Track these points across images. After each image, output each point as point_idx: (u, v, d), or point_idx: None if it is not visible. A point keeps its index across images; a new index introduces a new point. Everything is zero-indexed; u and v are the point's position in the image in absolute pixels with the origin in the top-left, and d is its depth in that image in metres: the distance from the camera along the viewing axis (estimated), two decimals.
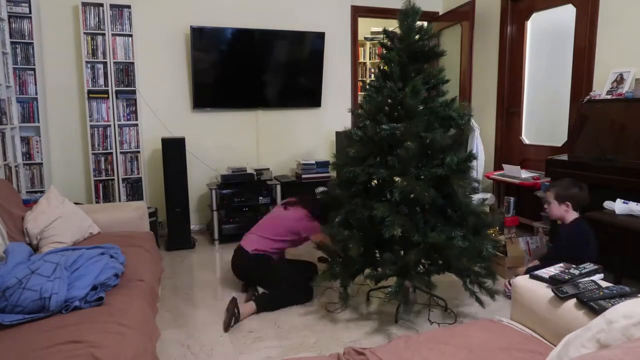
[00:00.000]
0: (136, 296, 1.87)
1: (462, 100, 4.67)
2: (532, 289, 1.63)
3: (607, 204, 2.77)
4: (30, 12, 3.68)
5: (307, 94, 4.72)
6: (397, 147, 2.38)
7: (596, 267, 1.62)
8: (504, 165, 4.02)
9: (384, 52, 2.61)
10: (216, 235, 4.11)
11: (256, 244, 2.90)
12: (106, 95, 3.96)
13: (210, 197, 4.11)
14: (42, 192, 3.73)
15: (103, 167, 4.05)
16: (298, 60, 4.59)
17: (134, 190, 4.14)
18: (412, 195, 2.30)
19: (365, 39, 6.72)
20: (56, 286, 1.66)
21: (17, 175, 3.60)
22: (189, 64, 4.29)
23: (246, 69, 4.41)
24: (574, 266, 1.66)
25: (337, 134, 4.45)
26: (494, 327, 1.60)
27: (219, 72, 4.33)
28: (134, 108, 4.07)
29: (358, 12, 4.92)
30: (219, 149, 4.51)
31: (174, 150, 3.86)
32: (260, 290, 2.88)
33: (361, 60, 6.82)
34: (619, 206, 2.68)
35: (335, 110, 4.89)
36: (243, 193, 4.16)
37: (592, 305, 1.38)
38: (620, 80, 3.21)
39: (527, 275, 1.70)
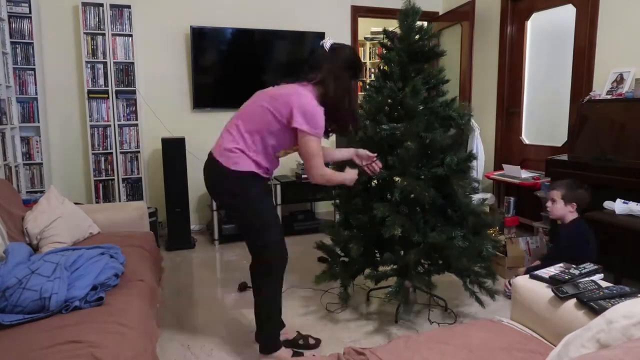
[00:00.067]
0: (136, 296, 1.87)
1: (462, 100, 4.67)
2: (532, 289, 1.63)
3: (607, 204, 2.77)
4: (30, 12, 3.68)
5: None
6: (397, 147, 2.38)
7: (596, 267, 1.62)
8: (504, 165, 4.02)
9: (384, 52, 2.61)
10: (216, 235, 4.11)
11: (227, 142, 1.98)
12: (106, 95, 3.96)
13: (210, 197, 4.11)
14: (42, 192, 3.73)
15: (103, 167, 4.05)
16: (298, 60, 4.59)
17: (134, 190, 4.14)
18: (412, 195, 2.30)
19: (365, 39, 6.72)
20: (56, 286, 1.66)
21: (17, 175, 3.60)
22: (189, 64, 4.29)
23: (246, 69, 4.41)
24: (574, 266, 1.66)
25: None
26: (494, 327, 1.60)
27: (219, 72, 4.33)
28: (134, 108, 4.07)
29: (358, 12, 4.92)
30: None
31: (174, 150, 3.86)
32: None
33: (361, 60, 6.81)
34: (619, 206, 2.68)
35: None
36: None
37: (592, 305, 1.38)
38: (620, 80, 3.21)
39: (527, 275, 1.70)
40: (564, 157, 3.32)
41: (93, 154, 4.00)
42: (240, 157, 1.94)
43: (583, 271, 1.60)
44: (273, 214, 2.05)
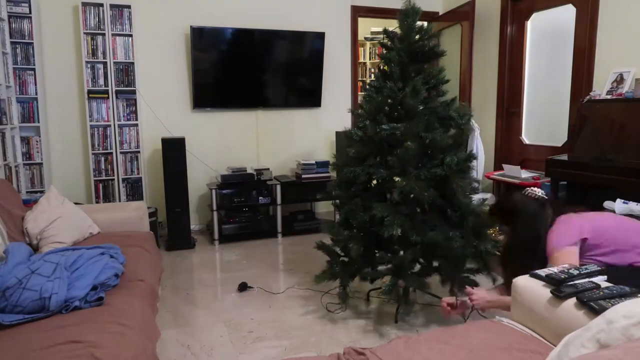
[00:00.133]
0: (136, 296, 1.87)
1: (462, 100, 4.67)
2: (532, 289, 1.63)
3: (607, 204, 2.77)
4: (30, 12, 3.68)
5: (307, 94, 4.72)
6: (397, 147, 2.38)
7: (599, 268, 1.62)
8: (504, 165, 4.02)
9: (384, 52, 2.61)
10: (216, 235, 4.11)
11: None
12: (106, 95, 3.96)
13: (210, 197, 4.11)
14: (42, 192, 3.73)
15: (103, 167, 4.05)
16: (298, 60, 4.59)
17: (134, 190, 4.14)
18: (411, 195, 2.30)
19: (365, 39, 6.72)
20: (56, 286, 1.66)
21: (17, 175, 3.60)
22: (189, 64, 4.29)
23: (246, 69, 4.41)
24: (574, 266, 1.66)
25: (337, 134, 4.45)
26: (494, 327, 1.60)
27: (219, 72, 4.33)
28: (134, 108, 4.07)
29: (358, 12, 4.92)
30: (219, 149, 4.51)
31: (174, 150, 3.86)
32: None
33: (361, 60, 6.82)
34: (619, 206, 2.68)
35: (335, 110, 4.89)
36: (243, 193, 4.16)
37: (592, 305, 1.38)
38: (620, 80, 3.21)
39: (527, 275, 1.70)
40: (564, 157, 3.32)
41: (93, 154, 4.00)
42: None
43: (583, 271, 1.60)
44: None
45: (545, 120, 4.11)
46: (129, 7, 3.94)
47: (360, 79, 6.49)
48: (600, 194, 2.89)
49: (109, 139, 4.03)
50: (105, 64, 3.93)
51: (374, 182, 2.57)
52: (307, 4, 4.68)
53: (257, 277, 3.28)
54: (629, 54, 3.23)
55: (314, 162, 4.42)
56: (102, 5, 3.85)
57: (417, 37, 2.49)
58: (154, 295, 2.07)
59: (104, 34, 3.89)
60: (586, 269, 1.62)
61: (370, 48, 6.91)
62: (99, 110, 3.98)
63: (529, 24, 4.20)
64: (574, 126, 3.40)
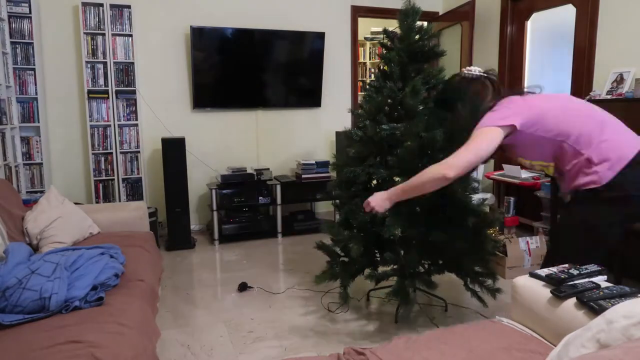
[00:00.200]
0: (136, 296, 1.87)
1: None
2: (532, 289, 1.63)
3: None
4: (30, 12, 3.68)
5: (307, 94, 4.72)
6: (397, 147, 2.38)
7: (599, 268, 1.62)
8: (504, 165, 4.02)
9: (384, 52, 2.61)
10: (216, 235, 4.11)
11: None
12: (106, 95, 3.96)
13: (210, 197, 4.11)
14: (42, 192, 3.73)
15: (103, 167, 4.05)
16: (298, 60, 4.59)
17: (134, 190, 4.15)
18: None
19: (365, 39, 6.72)
20: (56, 286, 1.66)
21: (17, 175, 3.60)
22: (189, 64, 4.29)
23: (246, 69, 4.41)
24: (574, 266, 1.66)
25: (337, 134, 4.45)
26: (494, 327, 1.60)
27: (219, 72, 4.33)
28: (134, 108, 4.08)
29: (358, 12, 4.92)
30: (219, 149, 4.52)
31: (174, 150, 3.86)
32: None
33: (361, 60, 6.82)
34: None
35: (335, 110, 4.89)
36: (243, 193, 4.16)
37: (592, 305, 1.38)
38: (620, 80, 3.21)
39: (527, 275, 1.70)
40: None
41: (93, 154, 4.00)
42: None
43: (583, 272, 1.60)
44: None
45: None
46: (129, 7, 3.94)
47: (360, 79, 6.49)
48: None
49: (109, 139, 4.03)
50: (105, 64, 3.93)
51: (374, 182, 2.57)
52: (307, 4, 4.68)
53: (257, 277, 3.28)
54: (629, 54, 3.23)
55: (314, 162, 4.42)
56: (102, 5, 3.85)
57: (417, 37, 2.49)
58: (154, 295, 2.07)
59: (104, 34, 3.89)
60: (586, 269, 1.62)
61: (370, 48, 6.92)
62: (99, 110, 3.98)
63: (529, 24, 4.20)
64: None
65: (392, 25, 2.94)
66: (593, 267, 1.62)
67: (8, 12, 3.60)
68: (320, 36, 4.57)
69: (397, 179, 2.38)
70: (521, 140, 1.81)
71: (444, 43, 5.08)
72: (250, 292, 3.01)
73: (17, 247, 2.01)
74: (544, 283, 1.61)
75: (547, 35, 4.04)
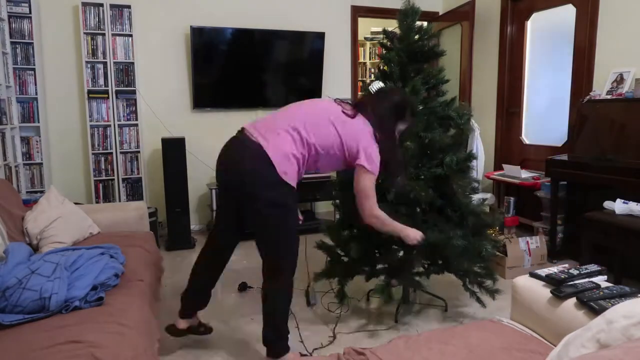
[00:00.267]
0: (136, 296, 1.87)
1: (462, 100, 4.67)
2: (532, 289, 1.63)
3: (607, 204, 2.77)
4: (30, 12, 3.68)
5: (307, 94, 4.71)
6: None
7: (599, 268, 1.62)
8: (504, 165, 4.02)
9: (384, 52, 2.61)
10: None
11: (288, 146, 1.82)
12: (106, 95, 3.96)
13: (210, 197, 4.11)
14: (42, 192, 3.73)
15: (103, 167, 4.05)
16: (298, 60, 4.59)
17: (134, 190, 4.14)
18: (411, 195, 2.30)
19: (365, 39, 6.72)
20: (56, 286, 1.66)
21: (17, 175, 3.60)
22: (189, 64, 4.29)
23: (246, 69, 4.41)
24: (574, 267, 1.66)
25: None
26: (494, 327, 1.60)
27: (218, 72, 4.33)
28: (134, 108, 4.07)
29: (358, 12, 4.92)
30: (219, 149, 4.49)
31: (174, 150, 3.86)
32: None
33: (361, 60, 6.82)
34: (619, 206, 2.68)
35: None
36: None
37: (592, 305, 1.38)
38: (620, 80, 3.21)
39: (527, 275, 1.70)
40: (564, 157, 3.32)
41: (93, 154, 4.00)
42: (293, 168, 1.83)
43: (583, 272, 1.60)
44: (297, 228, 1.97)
45: (545, 120, 4.11)
46: (129, 7, 3.94)
47: (360, 79, 6.49)
48: (600, 194, 2.89)
49: (109, 139, 4.03)
50: (105, 64, 3.93)
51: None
52: (307, 4, 4.68)
53: (257, 277, 3.27)
54: (629, 54, 3.23)
55: None
56: (102, 5, 3.85)
57: (416, 37, 2.49)
58: (154, 295, 2.07)
59: (104, 34, 3.89)
60: (586, 269, 1.62)
61: (370, 48, 6.92)
62: (99, 110, 3.98)
63: (529, 24, 4.20)
64: (574, 126, 3.40)
65: (392, 25, 2.95)
66: (593, 267, 1.63)
67: (8, 12, 3.60)
68: (320, 36, 4.57)
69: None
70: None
71: (444, 43, 5.08)
72: (250, 292, 3.01)
73: (17, 247, 2.01)
74: (544, 283, 1.62)
75: (547, 35, 4.04)
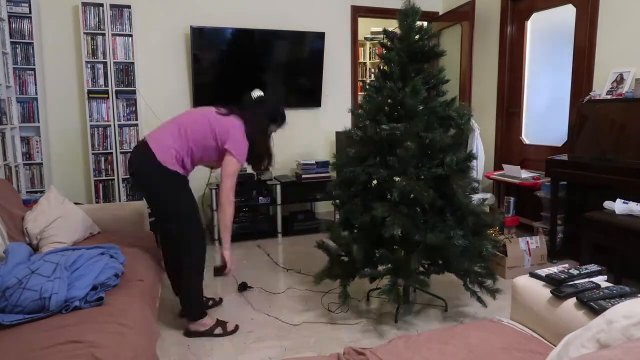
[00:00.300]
0: (136, 296, 1.87)
1: (462, 100, 4.67)
2: (532, 289, 1.63)
3: (607, 204, 2.77)
4: (30, 12, 3.68)
5: (307, 94, 4.72)
6: (397, 147, 2.38)
7: (599, 268, 1.62)
8: (504, 165, 4.02)
9: (384, 52, 2.61)
10: (216, 235, 4.11)
11: (170, 141, 2.26)
12: (106, 95, 3.96)
13: (210, 197, 4.11)
14: (42, 192, 3.73)
15: (103, 167, 4.05)
16: (298, 60, 4.59)
17: (134, 190, 4.14)
18: (412, 195, 2.30)
19: (365, 39, 6.73)
20: (56, 286, 1.66)
21: (17, 175, 3.60)
22: (189, 64, 4.29)
23: (246, 69, 4.41)
24: (574, 267, 1.66)
25: (337, 134, 4.45)
26: (494, 327, 1.60)
27: (219, 72, 4.33)
28: (134, 108, 4.08)
29: (358, 12, 4.92)
30: None
31: None
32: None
33: (361, 60, 6.82)
34: (619, 206, 2.68)
35: (335, 110, 4.89)
36: (243, 193, 4.16)
37: (592, 305, 1.38)
38: (620, 80, 3.21)
39: (527, 275, 1.70)
40: (564, 157, 3.32)
41: (93, 154, 4.00)
42: (176, 159, 2.27)
43: (583, 272, 1.60)
44: (193, 203, 2.36)
45: (545, 120, 4.11)
46: (129, 7, 3.94)
47: (360, 79, 6.50)
48: (600, 194, 2.89)
49: (109, 139, 4.03)
50: (105, 64, 3.93)
51: (374, 182, 2.57)
52: (307, 4, 4.68)
53: (257, 277, 3.28)
54: (629, 54, 3.23)
55: (314, 162, 4.42)
56: (102, 5, 3.85)
57: (417, 37, 2.49)
58: (154, 295, 2.07)
59: (104, 34, 3.89)
60: (586, 269, 1.62)
61: (370, 48, 6.92)
62: (99, 110, 3.98)
63: (529, 24, 4.20)
64: (574, 126, 3.40)
65: (392, 25, 2.95)
66: (593, 267, 1.63)
67: (8, 12, 3.60)
68: (320, 36, 4.57)
69: (397, 178, 2.38)
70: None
71: (444, 43, 5.08)
72: (250, 292, 3.01)
73: (17, 247, 2.01)
74: (544, 283, 1.62)
75: (547, 35, 4.04)
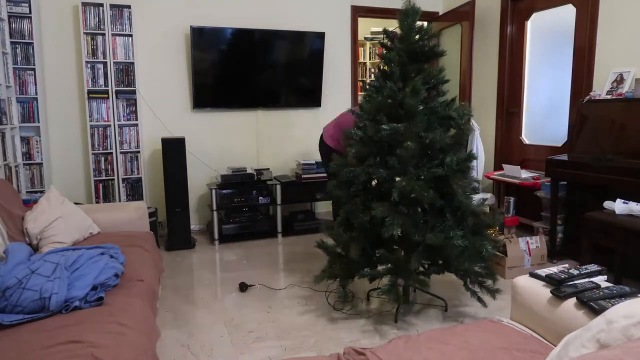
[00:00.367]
0: (136, 296, 1.87)
1: (462, 100, 4.67)
2: (532, 289, 1.63)
3: (607, 204, 2.77)
4: (30, 12, 3.68)
5: (307, 94, 4.72)
6: (397, 147, 2.38)
7: (599, 268, 1.62)
8: (504, 165, 4.02)
9: (384, 52, 2.61)
10: (216, 235, 4.11)
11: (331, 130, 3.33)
12: (106, 95, 3.96)
13: (210, 197, 4.11)
14: (42, 192, 3.73)
15: (103, 167, 4.05)
16: (298, 60, 4.59)
17: (134, 190, 4.14)
18: (412, 196, 2.30)
19: (365, 39, 6.72)
20: (56, 286, 1.66)
21: (17, 175, 3.60)
22: (189, 64, 4.29)
23: (246, 69, 4.41)
24: (574, 267, 1.66)
25: None
26: (494, 327, 1.60)
27: (219, 72, 4.33)
28: (134, 108, 4.08)
29: (358, 12, 4.92)
30: (219, 149, 4.51)
31: (174, 150, 3.86)
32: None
33: (361, 60, 6.82)
34: (619, 206, 2.68)
35: (335, 110, 4.88)
36: (243, 193, 4.16)
37: (592, 305, 1.38)
38: (620, 80, 3.21)
39: (527, 275, 1.70)
40: (564, 157, 3.32)
41: (93, 154, 4.00)
42: None
43: (583, 271, 1.60)
44: None
45: (545, 120, 4.11)
46: (129, 7, 3.94)
47: (360, 79, 6.49)
48: (600, 194, 2.89)
49: (109, 139, 4.03)
50: (105, 64, 3.93)
51: (374, 182, 2.57)
52: (307, 4, 4.68)
53: (257, 277, 3.28)
54: (629, 54, 3.23)
55: (314, 162, 4.42)
56: (102, 5, 3.85)
57: (417, 37, 2.49)
58: (154, 295, 2.07)
59: (104, 34, 3.89)
60: (586, 269, 1.62)
61: (370, 48, 6.91)
62: (99, 110, 3.98)
63: (529, 24, 4.20)
64: (574, 126, 3.40)
65: (392, 25, 2.95)
66: (593, 267, 1.63)
67: (8, 12, 3.60)
68: (320, 36, 4.57)
69: (397, 179, 2.38)
70: None
71: (444, 43, 5.08)
72: (251, 292, 3.01)
73: (17, 247, 2.01)
74: (544, 283, 1.62)
75: (547, 35, 4.04)
